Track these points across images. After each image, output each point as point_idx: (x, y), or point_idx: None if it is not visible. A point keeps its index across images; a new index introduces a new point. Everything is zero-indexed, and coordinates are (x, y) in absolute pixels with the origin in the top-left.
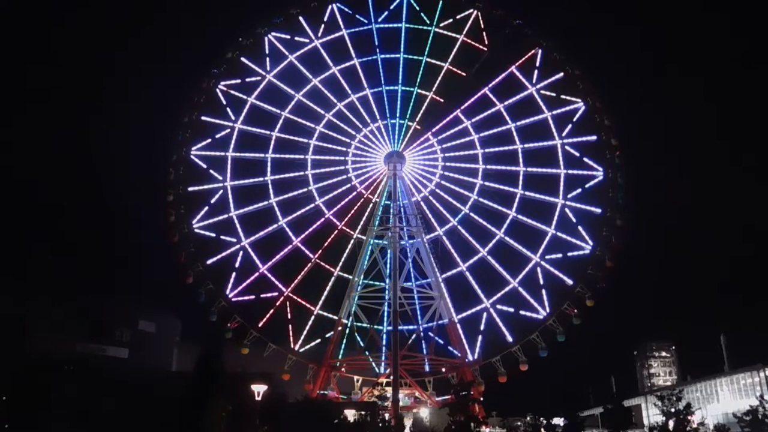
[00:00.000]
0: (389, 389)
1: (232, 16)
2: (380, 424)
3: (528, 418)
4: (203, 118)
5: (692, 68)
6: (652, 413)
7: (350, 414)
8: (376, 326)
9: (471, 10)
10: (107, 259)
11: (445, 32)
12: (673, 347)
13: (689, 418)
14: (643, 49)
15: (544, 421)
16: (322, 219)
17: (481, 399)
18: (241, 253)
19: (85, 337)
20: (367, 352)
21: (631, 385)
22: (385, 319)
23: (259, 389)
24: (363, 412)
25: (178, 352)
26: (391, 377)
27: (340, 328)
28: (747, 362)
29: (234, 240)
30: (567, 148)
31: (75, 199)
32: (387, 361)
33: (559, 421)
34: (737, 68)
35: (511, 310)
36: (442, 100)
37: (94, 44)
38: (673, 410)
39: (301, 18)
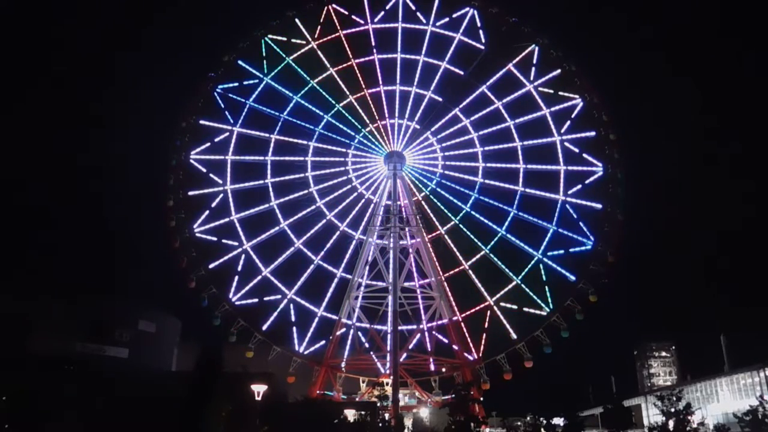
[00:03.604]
0: (390, 389)
1: (230, 19)
2: (380, 424)
3: (528, 418)
4: (201, 122)
5: (690, 63)
6: (652, 413)
7: (350, 414)
8: (376, 326)
9: (467, 9)
10: (107, 259)
11: (442, 31)
12: (673, 347)
13: (689, 418)
14: (639, 43)
15: (544, 421)
16: (324, 220)
17: (481, 399)
18: (243, 256)
19: (85, 337)
20: (371, 353)
21: (631, 385)
22: (389, 319)
23: (259, 389)
24: (363, 412)
25: (178, 352)
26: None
27: (343, 329)
28: (747, 362)
29: (235, 243)
30: (566, 144)
31: (75, 200)
32: (384, 360)
33: (559, 421)
34: (736, 64)
35: (515, 307)
36: (440, 99)
37: (94, 48)
38: (673, 410)
39: (297, 20)
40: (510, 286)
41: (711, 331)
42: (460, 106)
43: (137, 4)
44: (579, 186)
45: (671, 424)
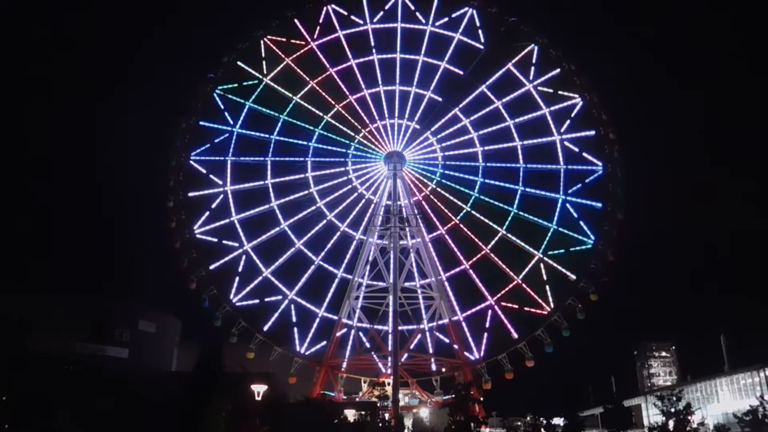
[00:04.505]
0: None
1: (229, 20)
2: (380, 424)
3: (528, 418)
4: (201, 123)
5: (688, 61)
6: (652, 413)
7: (350, 414)
8: (377, 326)
9: (466, 9)
10: (107, 259)
11: (441, 31)
12: (673, 347)
13: (689, 418)
14: (639, 42)
15: (544, 421)
16: (324, 221)
17: (481, 399)
18: (243, 257)
19: (85, 337)
20: (372, 353)
21: (631, 385)
22: (389, 319)
23: (259, 389)
24: (363, 412)
25: (178, 352)
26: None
27: (344, 330)
28: (747, 362)
29: (236, 244)
30: (566, 143)
31: (76, 201)
32: (385, 361)
33: (559, 421)
34: (734, 63)
35: (516, 306)
36: (440, 99)
37: (94, 49)
38: (673, 410)
39: (296, 20)
40: (511, 286)
41: (711, 331)
42: (460, 105)
43: (137, 5)
44: (579, 185)
45: (671, 424)
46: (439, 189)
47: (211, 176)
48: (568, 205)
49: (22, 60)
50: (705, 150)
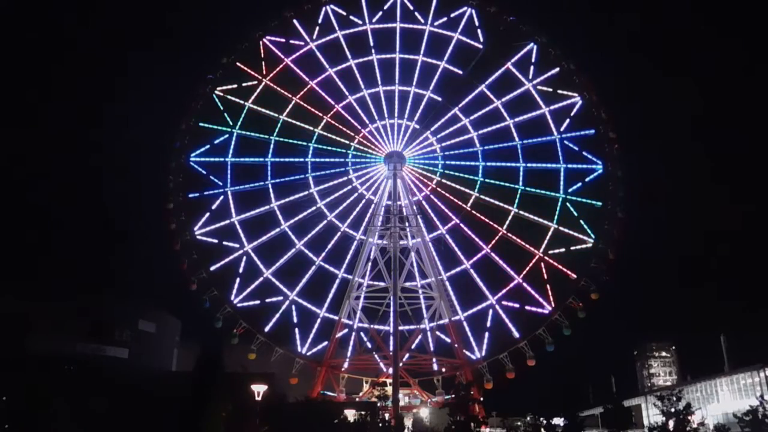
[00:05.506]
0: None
1: (228, 21)
2: (380, 424)
3: (528, 418)
4: (201, 124)
5: (688, 59)
6: (652, 413)
7: (350, 414)
8: (377, 326)
9: (465, 8)
10: (108, 259)
11: (440, 31)
12: (673, 347)
13: (689, 418)
14: (638, 41)
15: (544, 421)
16: (324, 221)
17: (481, 399)
18: (244, 258)
19: (85, 337)
20: (373, 353)
21: (631, 385)
22: (391, 319)
23: (259, 389)
24: (363, 412)
25: (178, 352)
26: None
27: (345, 330)
28: (747, 362)
29: (237, 245)
30: (566, 142)
31: (75, 200)
32: (387, 361)
33: (559, 421)
34: (732, 62)
35: (517, 305)
36: (439, 99)
37: (94, 50)
38: (673, 410)
39: (295, 21)
40: (511, 285)
41: (711, 331)
42: (460, 105)
43: (137, 6)
44: (579, 184)
45: (671, 424)
46: (438, 188)
47: (212, 177)
48: (568, 204)
49: (22, 60)
50: (706, 149)
